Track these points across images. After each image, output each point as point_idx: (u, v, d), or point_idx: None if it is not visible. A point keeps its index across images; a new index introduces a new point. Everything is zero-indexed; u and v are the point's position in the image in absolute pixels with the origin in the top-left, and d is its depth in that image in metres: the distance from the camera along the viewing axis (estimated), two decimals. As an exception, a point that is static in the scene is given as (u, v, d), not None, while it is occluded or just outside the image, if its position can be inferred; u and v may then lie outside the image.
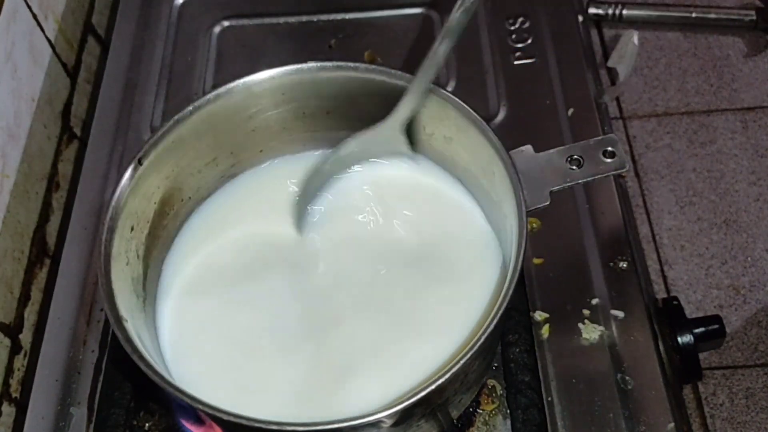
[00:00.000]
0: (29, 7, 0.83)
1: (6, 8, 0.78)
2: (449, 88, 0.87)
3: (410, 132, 0.63)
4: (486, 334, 0.50)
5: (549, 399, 0.67)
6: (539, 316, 0.71)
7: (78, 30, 0.95)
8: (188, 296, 0.64)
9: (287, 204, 0.67)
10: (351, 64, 0.63)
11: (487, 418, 0.66)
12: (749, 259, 1.51)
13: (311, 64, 0.63)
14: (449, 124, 0.62)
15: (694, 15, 1.72)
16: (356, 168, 0.68)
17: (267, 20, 0.96)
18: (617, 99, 1.70)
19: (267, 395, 0.59)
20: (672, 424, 0.65)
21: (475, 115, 0.59)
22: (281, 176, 0.69)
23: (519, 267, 0.53)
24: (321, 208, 0.68)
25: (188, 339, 0.62)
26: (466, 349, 0.50)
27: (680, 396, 0.71)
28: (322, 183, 0.67)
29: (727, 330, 0.75)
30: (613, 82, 0.94)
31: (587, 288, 0.73)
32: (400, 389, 0.57)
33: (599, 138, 0.61)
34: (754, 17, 1.70)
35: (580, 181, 0.60)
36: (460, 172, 0.67)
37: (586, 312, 0.71)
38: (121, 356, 0.53)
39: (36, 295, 0.79)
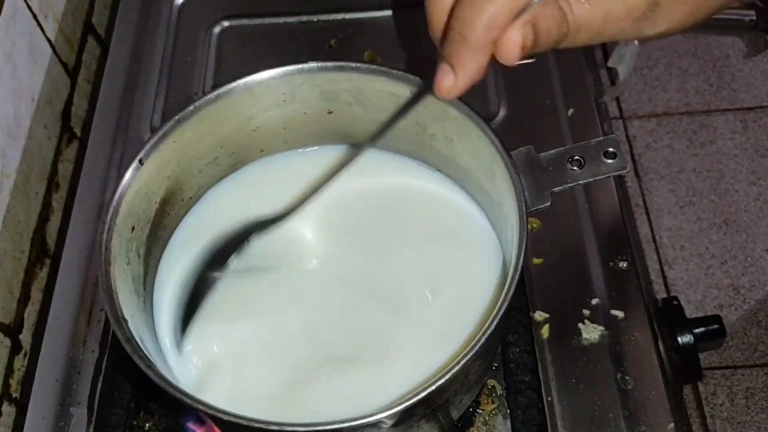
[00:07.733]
0: (29, 7, 0.83)
1: (6, 8, 0.78)
2: (449, 88, 0.86)
3: None
4: (486, 335, 0.50)
5: (549, 399, 0.67)
6: (539, 316, 0.71)
7: (78, 30, 0.94)
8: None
9: (284, 201, 0.67)
10: (352, 64, 0.63)
11: (487, 418, 0.66)
12: (749, 259, 1.51)
13: (312, 64, 0.63)
14: (450, 124, 0.62)
15: (693, 15, 1.72)
16: (357, 172, 0.68)
17: (267, 20, 0.96)
18: (617, 99, 1.70)
19: (268, 396, 0.59)
20: (672, 424, 0.65)
21: (476, 115, 0.59)
22: (280, 174, 0.69)
23: (519, 268, 0.52)
24: (320, 208, 0.68)
25: (189, 339, 0.62)
26: (467, 349, 0.50)
27: (680, 396, 0.71)
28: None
29: (727, 330, 0.75)
30: (613, 82, 0.94)
31: (587, 288, 0.73)
32: (401, 390, 0.57)
33: (600, 139, 0.61)
34: (754, 17, 1.69)
35: (581, 182, 0.60)
36: (460, 172, 0.67)
37: (586, 312, 0.71)
38: (121, 356, 0.53)
39: (36, 295, 0.79)
